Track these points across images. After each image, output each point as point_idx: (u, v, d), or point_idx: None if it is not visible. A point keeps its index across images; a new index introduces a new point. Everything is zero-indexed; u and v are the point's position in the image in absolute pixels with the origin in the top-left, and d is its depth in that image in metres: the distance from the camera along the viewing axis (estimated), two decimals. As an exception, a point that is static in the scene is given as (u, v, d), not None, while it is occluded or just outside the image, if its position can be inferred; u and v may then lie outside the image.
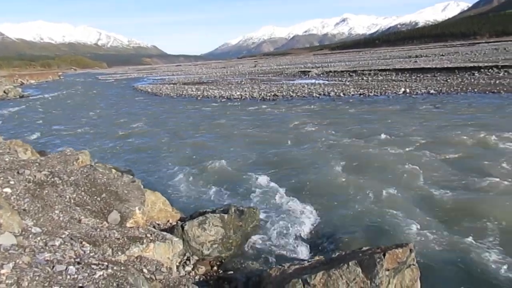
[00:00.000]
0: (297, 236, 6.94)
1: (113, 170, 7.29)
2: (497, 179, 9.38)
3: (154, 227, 6.79)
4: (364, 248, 4.56)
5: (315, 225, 7.57)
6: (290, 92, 31.83)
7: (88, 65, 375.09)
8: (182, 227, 6.37)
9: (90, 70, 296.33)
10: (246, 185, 10.22)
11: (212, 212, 7.09)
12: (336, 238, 6.89)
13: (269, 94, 31.98)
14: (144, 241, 4.86)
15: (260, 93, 33.23)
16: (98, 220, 5.28)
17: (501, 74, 32.89)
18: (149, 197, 7.11)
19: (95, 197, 6.01)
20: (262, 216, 7.72)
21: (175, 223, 7.00)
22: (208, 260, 6.27)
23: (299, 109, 23.69)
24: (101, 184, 6.35)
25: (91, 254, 4.11)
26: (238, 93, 34.39)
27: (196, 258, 6.22)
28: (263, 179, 10.47)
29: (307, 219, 7.72)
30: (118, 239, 4.71)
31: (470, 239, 6.65)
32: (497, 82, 28.31)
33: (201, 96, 35.13)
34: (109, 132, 20.20)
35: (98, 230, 4.84)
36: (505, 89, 24.84)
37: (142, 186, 6.99)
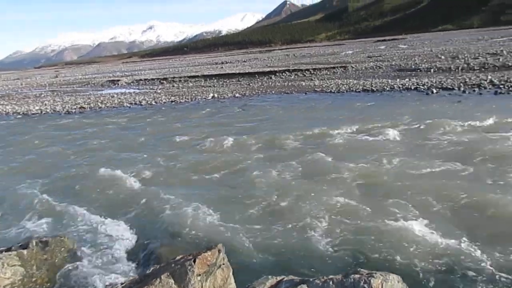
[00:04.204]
0: (112, 257, 6.56)
1: None
2: (298, 171, 10.70)
3: None
4: (178, 257, 4.59)
5: (130, 242, 7.27)
6: (99, 103, 30.01)
7: None
8: (-34, 276, 5.32)
9: None
10: (49, 212, 9.15)
11: (7, 250, 6.11)
12: (152, 252, 6.75)
13: (75, 106, 29.49)
14: None
15: (64, 106, 30.33)
16: None
17: (292, 77, 38.00)
18: None
19: None
20: (72, 242, 7.02)
21: (-43, 273, 5.78)
22: (6, 308, 5.39)
23: (108, 120, 22.51)
24: None
25: None
26: (37, 107, 30.65)
27: (-11, 308, 5.28)
28: (65, 201, 9.57)
29: (121, 237, 7.38)
30: None
31: (276, 228, 7.40)
32: (290, 84, 32.56)
33: (-13, 113, 30.00)
34: None
35: None
36: (296, 90, 28.68)
37: None
